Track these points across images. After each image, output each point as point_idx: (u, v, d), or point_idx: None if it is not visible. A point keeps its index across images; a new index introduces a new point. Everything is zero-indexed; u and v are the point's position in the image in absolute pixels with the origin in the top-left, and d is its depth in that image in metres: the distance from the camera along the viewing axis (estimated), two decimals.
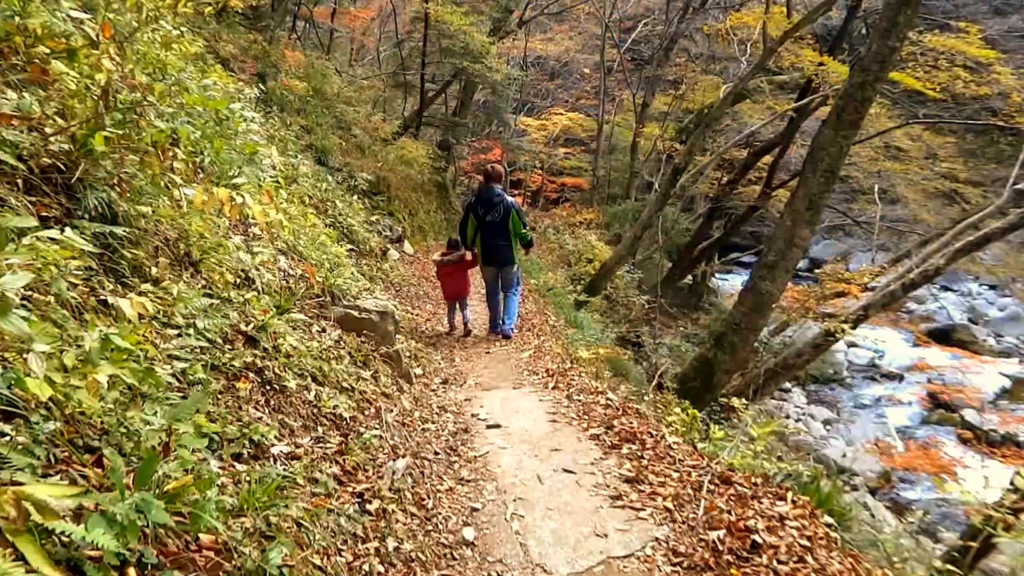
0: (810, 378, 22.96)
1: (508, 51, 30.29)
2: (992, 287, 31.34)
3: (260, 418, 4.03)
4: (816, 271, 37.74)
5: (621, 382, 11.12)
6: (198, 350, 3.88)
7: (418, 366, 7.95)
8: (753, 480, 4.80)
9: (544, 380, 7.67)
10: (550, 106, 35.04)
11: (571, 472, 5.11)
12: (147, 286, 3.88)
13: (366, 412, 5.24)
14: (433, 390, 7.36)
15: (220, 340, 4.19)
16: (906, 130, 21.21)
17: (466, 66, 19.45)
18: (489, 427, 6.13)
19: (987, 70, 18.23)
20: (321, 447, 4.28)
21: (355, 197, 13.80)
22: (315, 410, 4.60)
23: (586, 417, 6.25)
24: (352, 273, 9.88)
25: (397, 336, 7.63)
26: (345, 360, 5.72)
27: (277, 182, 7.14)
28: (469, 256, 10.51)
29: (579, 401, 6.71)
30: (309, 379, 4.82)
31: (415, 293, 13.05)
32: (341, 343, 5.95)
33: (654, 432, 5.74)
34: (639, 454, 5.34)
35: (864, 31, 23.58)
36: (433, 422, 6.08)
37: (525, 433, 5.96)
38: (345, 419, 4.78)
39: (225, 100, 4.52)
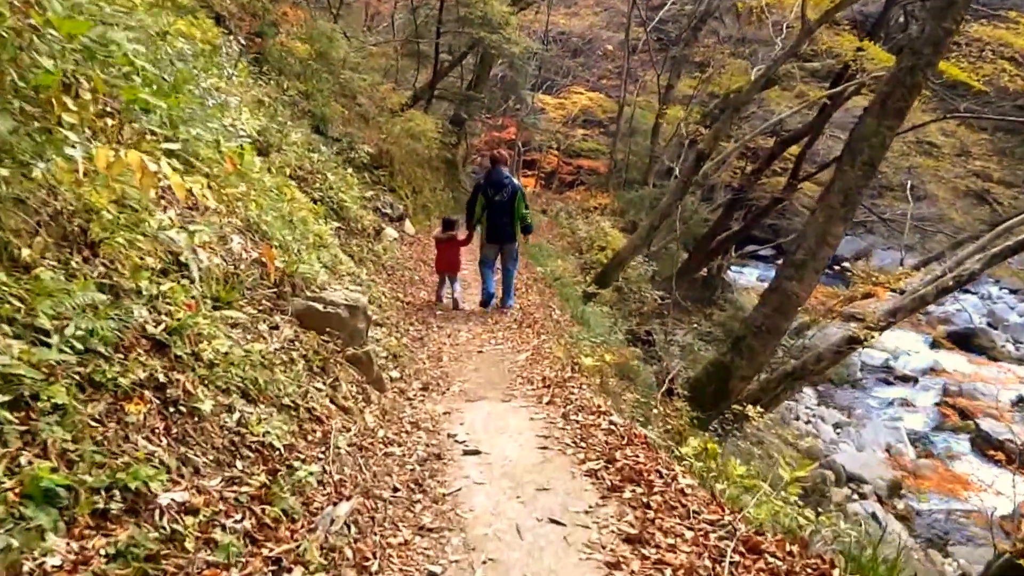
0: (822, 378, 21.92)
1: (529, 24, 29.16)
2: (1013, 291, 30.38)
3: (153, 454, 3.07)
4: (836, 268, 37.13)
5: (628, 387, 10.15)
6: (62, 364, 2.91)
7: (396, 367, 6.98)
8: (789, 548, 3.80)
9: (539, 392, 6.66)
10: (570, 85, 33.91)
11: (559, 523, 4.12)
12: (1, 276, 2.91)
13: (310, 437, 4.26)
14: (409, 399, 6.37)
15: (110, 348, 3.22)
16: (940, 125, 20.12)
17: (484, 36, 18.38)
18: (467, 452, 5.13)
19: None
20: (234, 491, 3.30)
21: (350, 170, 12.80)
22: (236, 438, 3.62)
23: (583, 445, 5.23)
24: (335, 256, 8.95)
25: (371, 334, 6.65)
26: (297, 367, 4.75)
27: (243, 149, 6.14)
28: (462, 236, 11.24)
29: (577, 423, 5.69)
30: (236, 395, 3.85)
31: (410, 278, 12.06)
32: (295, 344, 4.97)
33: (664, 471, 4.73)
34: (645, 500, 4.34)
35: (903, 19, 22.38)
36: (400, 444, 5.10)
37: (508, 463, 4.96)
38: (277, 449, 3.80)
39: (87, 23, 3.53)
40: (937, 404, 21.25)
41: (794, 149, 22.03)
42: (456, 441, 5.37)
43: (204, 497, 3.12)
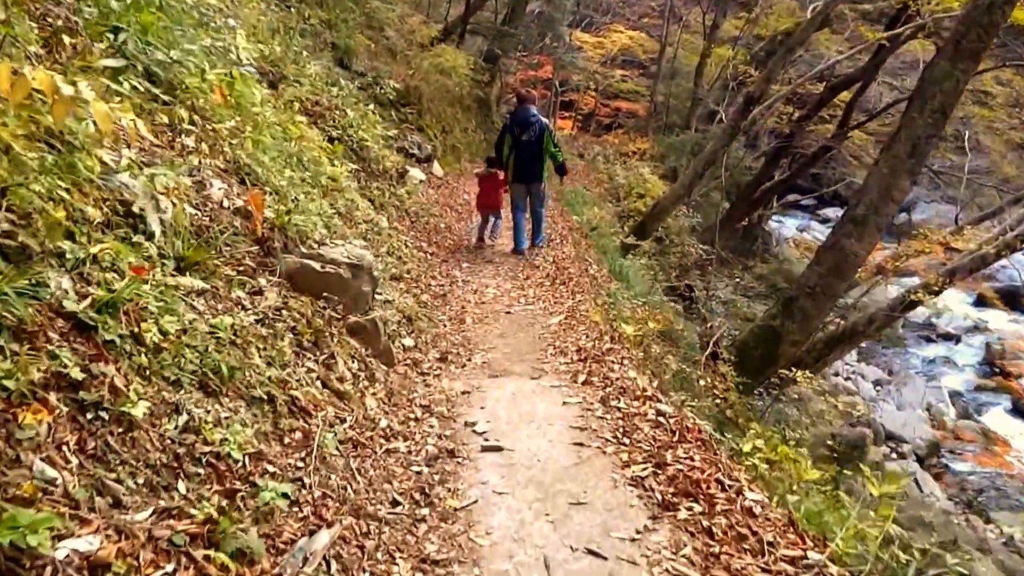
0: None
1: None
2: None
3: (53, 482, 2.23)
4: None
5: (670, 350, 9.26)
6: None
7: (411, 333, 6.10)
8: None
9: (574, 367, 5.75)
10: (609, 22, 32.58)
11: (599, 556, 3.24)
12: None
13: (289, 438, 3.41)
14: (423, 373, 5.49)
15: (3, 335, 2.37)
16: (995, 73, 18.82)
17: None
18: (486, 449, 4.26)
19: None
20: (169, 528, 2.45)
21: (372, 107, 11.86)
22: (181, 450, 2.76)
23: (626, 442, 4.34)
24: (351, 200, 8.10)
25: (386, 292, 5.79)
26: (282, 343, 3.90)
27: (233, 76, 5.23)
28: (502, 175, 10.79)
29: (618, 410, 4.80)
30: (189, 389, 2.99)
31: (435, 225, 11.16)
32: (282, 314, 4.11)
33: (727, 480, 3.84)
34: (706, 524, 3.46)
35: None
36: (406, 437, 4.23)
37: (536, 464, 4.09)
38: (239, 461, 2.95)
39: None
40: (980, 363, 20.66)
41: (844, 95, 20.76)
42: (474, 432, 4.49)
43: (122, 542, 2.28)
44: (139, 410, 2.65)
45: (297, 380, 3.74)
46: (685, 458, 4.07)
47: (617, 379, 5.33)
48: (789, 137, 21.73)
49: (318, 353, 4.16)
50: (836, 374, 19.13)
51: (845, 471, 12.01)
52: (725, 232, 19.91)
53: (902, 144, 9.42)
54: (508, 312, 7.54)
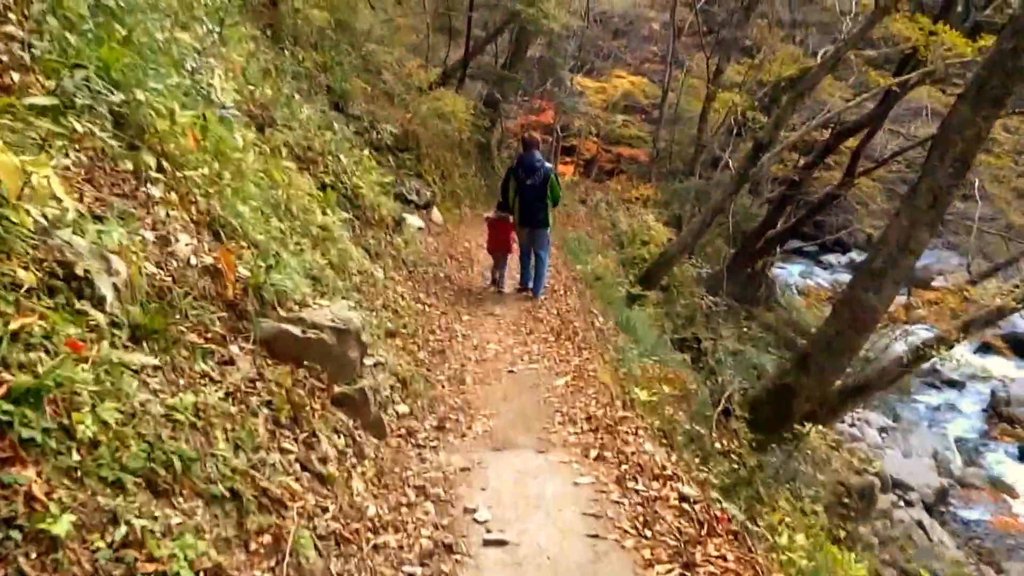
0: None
1: (568, 1, 27.70)
2: None
3: None
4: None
5: (681, 406, 8.73)
6: None
7: (405, 399, 5.56)
8: None
9: (584, 438, 5.23)
10: (611, 67, 32.37)
11: None
12: None
13: (255, 542, 2.87)
14: (419, 445, 4.97)
15: None
16: (1003, 120, 18.48)
17: (520, 10, 16.98)
18: (488, 543, 3.73)
19: None
20: None
21: (367, 152, 11.45)
22: (119, 572, 2.24)
23: (648, 533, 3.82)
24: (343, 251, 7.63)
25: (380, 351, 5.29)
26: (257, 419, 3.38)
27: (207, 119, 4.77)
28: (511, 219, 10.85)
29: (636, 493, 4.27)
30: (133, 492, 2.48)
31: (434, 275, 10.67)
32: (256, 387, 3.60)
33: None
34: None
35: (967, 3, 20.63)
36: (398, 528, 3.70)
37: (546, 563, 3.55)
38: None
39: None
40: (985, 411, 20.28)
41: (851, 142, 20.43)
42: (475, 520, 3.96)
43: None
44: (62, 526, 2.13)
45: (271, 466, 3.20)
46: (717, 556, 3.54)
47: (633, 454, 4.81)
48: (795, 184, 21.36)
49: (297, 431, 3.64)
50: (841, 421, 18.74)
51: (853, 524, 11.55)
52: (730, 280, 19.48)
53: (922, 195, 8.97)
54: (511, 371, 7.04)
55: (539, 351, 7.71)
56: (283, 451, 3.38)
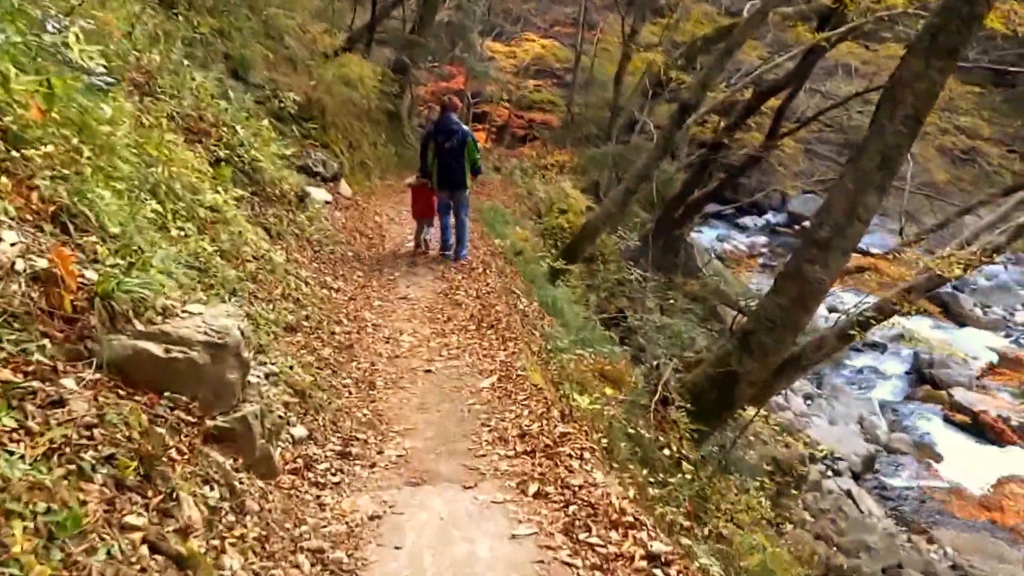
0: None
1: None
2: None
3: None
4: (796, 227, 35.79)
5: (613, 394, 8.00)
6: None
7: (303, 416, 4.64)
8: None
9: (519, 463, 4.36)
10: (521, 31, 31.68)
11: None
12: None
13: None
14: (317, 483, 4.05)
15: None
16: None
17: None
18: None
19: None
20: None
21: (267, 122, 10.53)
22: None
23: None
24: (236, 233, 6.71)
25: (272, 355, 4.39)
26: (90, 487, 2.48)
27: (52, 84, 3.80)
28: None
29: (591, 549, 3.43)
30: None
31: (341, 255, 9.75)
32: (93, 436, 2.69)
33: None
34: None
35: None
36: None
37: None
38: None
39: None
40: (908, 373, 20.44)
41: (773, 102, 19.97)
42: None
43: None
44: None
45: (102, 560, 2.31)
46: None
47: (580, 488, 3.96)
48: (715, 147, 20.83)
49: (150, 493, 2.72)
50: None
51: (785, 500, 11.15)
52: (652, 248, 18.92)
53: (869, 156, 8.30)
54: (428, 370, 6.18)
55: (459, 343, 6.86)
56: (125, 529, 2.48)
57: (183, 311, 3.48)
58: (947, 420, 17.69)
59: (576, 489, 3.96)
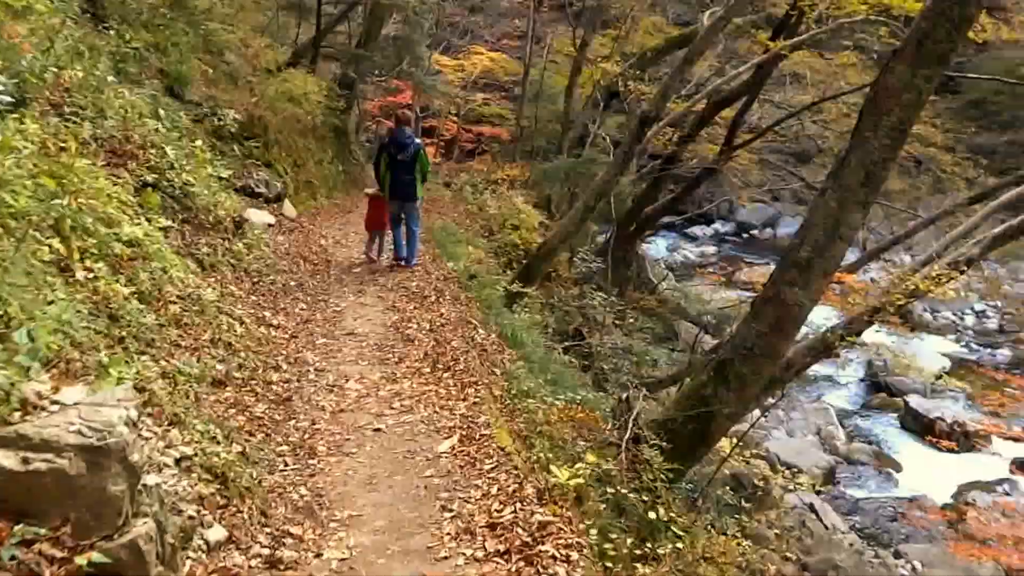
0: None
1: None
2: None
3: None
4: (745, 235, 35.73)
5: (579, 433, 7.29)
6: None
7: (222, 510, 3.78)
8: None
9: (490, 573, 3.57)
10: (468, 45, 31.34)
11: None
12: None
13: None
14: None
15: None
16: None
17: None
18: None
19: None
20: None
21: (200, 142, 9.84)
22: None
23: None
24: (160, 271, 5.95)
25: (168, 454, 3.59)
26: None
27: None
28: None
29: None
30: None
31: (283, 286, 8.96)
32: None
33: None
34: None
35: None
36: None
37: None
38: None
39: None
40: (863, 380, 20.59)
41: (727, 113, 19.64)
42: None
43: None
44: None
45: None
46: None
47: None
48: (670, 160, 20.42)
49: None
50: None
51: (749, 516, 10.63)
52: (609, 265, 18.45)
53: (852, 171, 7.70)
54: (378, 428, 5.39)
55: (412, 390, 6.09)
56: None
57: (52, 402, 2.70)
58: (904, 427, 17.75)
59: None
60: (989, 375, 17.84)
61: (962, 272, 10.41)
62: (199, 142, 9.78)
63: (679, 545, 5.41)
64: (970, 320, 25.01)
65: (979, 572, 12.21)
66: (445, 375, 6.46)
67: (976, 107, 29.88)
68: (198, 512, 3.57)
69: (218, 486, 3.91)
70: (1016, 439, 15.56)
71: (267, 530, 3.96)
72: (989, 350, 22.61)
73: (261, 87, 15.15)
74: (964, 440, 16.35)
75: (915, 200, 21.55)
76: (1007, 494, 14.76)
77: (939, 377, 17.08)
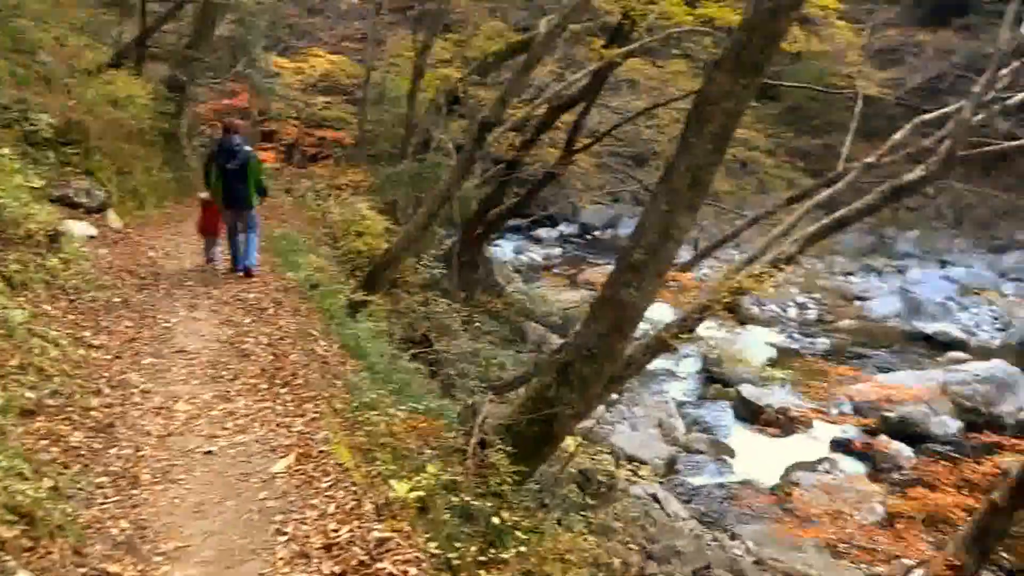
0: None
1: None
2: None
3: None
4: (588, 237, 36.54)
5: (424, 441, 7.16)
6: None
7: (30, 554, 3.47)
8: None
9: None
10: (307, 47, 30.66)
11: None
12: None
13: None
14: None
15: None
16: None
17: None
18: None
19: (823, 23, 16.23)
20: None
21: (7, 150, 9.16)
22: None
23: None
24: None
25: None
26: None
27: None
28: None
29: None
30: None
31: (106, 302, 8.42)
32: None
33: None
34: None
35: None
36: None
37: None
38: None
39: None
40: (699, 372, 21.39)
41: (567, 117, 19.99)
42: None
43: None
44: None
45: None
46: None
47: None
48: (513, 163, 20.59)
49: None
50: None
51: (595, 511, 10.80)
52: (455, 270, 18.40)
53: (680, 175, 7.90)
54: (209, 451, 5.12)
55: (247, 409, 5.82)
56: None
57: None
58: (737, 416, 18.63)
59: None
60: (810, 363, 18.82)
61: (782, 269, 10.88)
62: (6, 150, 9.11)
63: (523, 548, 5.35)
64: (792, 312, 26.49)
65: (804, 545, 12.82)
66: (283, 391, 6.22)
67: (793, 113, 31.81)
68: None
69: (24, 526, 3.58)
70: (833, 422, 17.10)
71: (81, 570, 3.66)
72: (810, 339, 23.96)
73: (80, 89, 14.40)
74: (789, 425, 17.02)
75: (742, 200, 22.62)
76: (827, 472, 15.67)
77: (766, 368, 17.92)
